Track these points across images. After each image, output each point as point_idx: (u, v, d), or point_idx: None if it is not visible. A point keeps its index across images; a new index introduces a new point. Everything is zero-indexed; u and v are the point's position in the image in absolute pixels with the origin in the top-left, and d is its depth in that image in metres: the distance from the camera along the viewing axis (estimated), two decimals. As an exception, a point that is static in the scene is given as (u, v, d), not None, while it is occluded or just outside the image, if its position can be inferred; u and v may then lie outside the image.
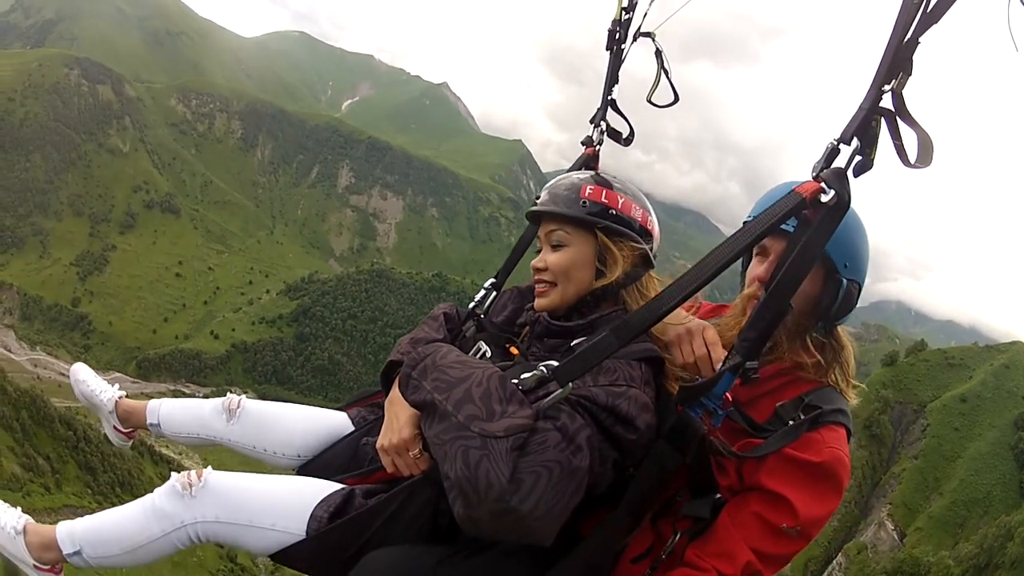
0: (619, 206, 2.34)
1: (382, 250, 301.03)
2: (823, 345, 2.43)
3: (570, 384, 1.87)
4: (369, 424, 2.78)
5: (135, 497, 2.47)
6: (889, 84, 1.70)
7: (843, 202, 1.78)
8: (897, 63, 1.69)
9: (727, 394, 1.96)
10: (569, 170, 2.75)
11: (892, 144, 1.73)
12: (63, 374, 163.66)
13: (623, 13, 3.01)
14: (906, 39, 1.67)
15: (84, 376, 3.37)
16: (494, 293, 2.93)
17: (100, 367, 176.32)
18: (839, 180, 1.78)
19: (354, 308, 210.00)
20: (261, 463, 2.80)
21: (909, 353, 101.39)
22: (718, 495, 2.24)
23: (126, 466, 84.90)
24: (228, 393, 3.01)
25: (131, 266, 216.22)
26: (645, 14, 2.96)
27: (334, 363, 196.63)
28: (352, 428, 2.83)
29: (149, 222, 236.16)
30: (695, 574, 2.15)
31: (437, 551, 2.03)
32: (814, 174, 1.81)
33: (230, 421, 2.88)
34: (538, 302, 2.41)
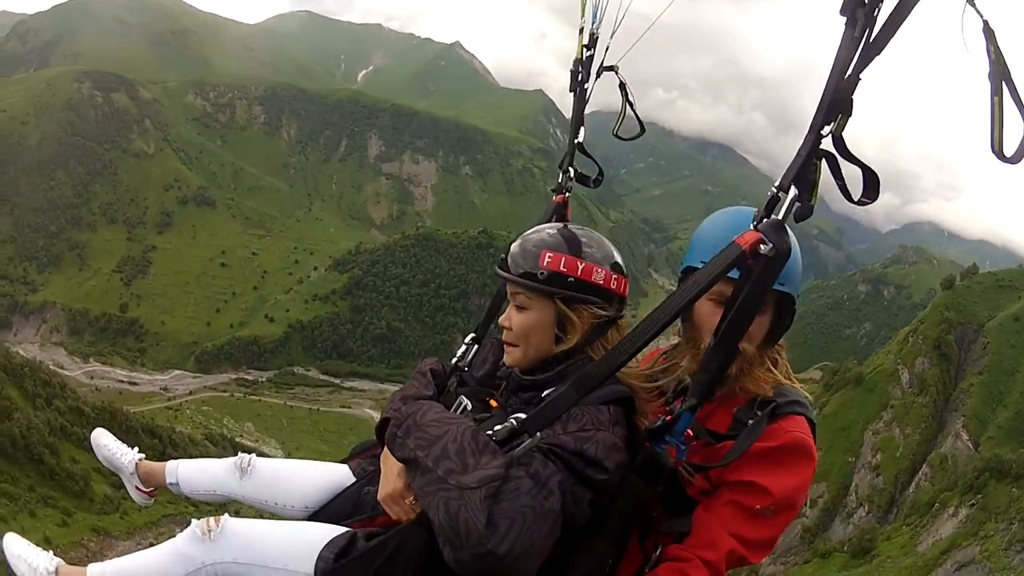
0: (579, 272, 2.34)
1: (421, 214, 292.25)
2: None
3: (539, 433, 1.99)
4: (368, 475, 2.92)
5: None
6: (828, 127, 1.64)
7: (781, 253, 1.77)
8: (836, 105, 1.61)
9: (687, 431, 2.06)
10: (540, 220, 2.80)
11: (836, 184, 1.70)
12: (121, 381, 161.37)
13: (584, 51, 2.95)
14: (846, 75, 1.59)
15: (105, 441, 3.54)
16: (476, 347, 3.00)
17: (159, 367, 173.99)
18: (777, 232, 1.76)
19: (405, 274, 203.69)
20: (273, 515, 2.96)
21: (964, 276, 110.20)
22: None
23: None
24: (239, 453, 3.21)
25: (174, 264, 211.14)
26: (607, 48, 2.89)
27: (393, 331, 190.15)
28: (354, 479, 2.99)
29: (186, 218, 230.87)
30: (678, 564, 2.20)
31: None
32: (754, 224, 1.80)
33: (243, 479, 3.09)
34: (506, 357, 2.52)
